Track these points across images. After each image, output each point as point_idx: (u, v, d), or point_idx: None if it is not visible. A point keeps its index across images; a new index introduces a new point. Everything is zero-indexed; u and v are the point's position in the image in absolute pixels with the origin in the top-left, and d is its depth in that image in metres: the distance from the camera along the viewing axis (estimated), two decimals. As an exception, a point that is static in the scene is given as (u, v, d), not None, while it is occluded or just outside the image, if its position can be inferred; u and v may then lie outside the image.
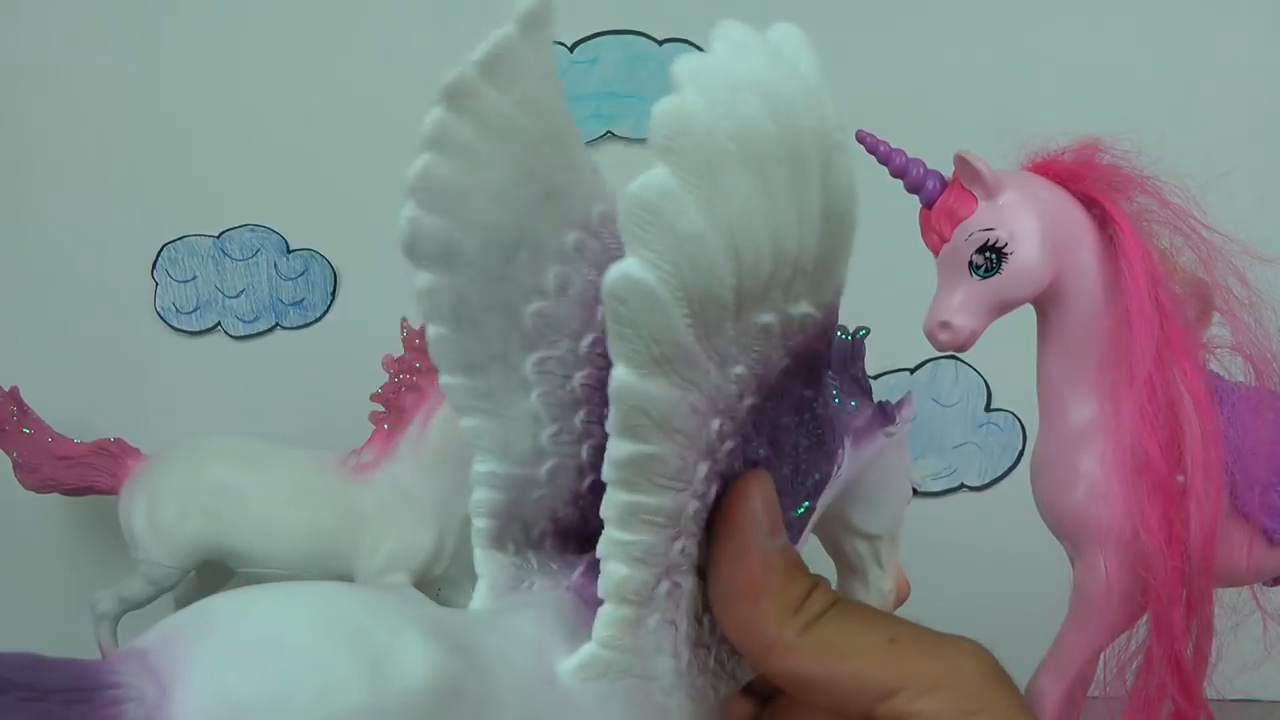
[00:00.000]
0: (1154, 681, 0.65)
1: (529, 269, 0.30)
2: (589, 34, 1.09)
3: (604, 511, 0.25)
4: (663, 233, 0.22)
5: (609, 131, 1.09)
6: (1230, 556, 0.66)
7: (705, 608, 0.28)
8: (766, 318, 0.25)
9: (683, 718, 0.28)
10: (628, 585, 0.26)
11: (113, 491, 1.00)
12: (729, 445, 0.26)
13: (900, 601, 0.48)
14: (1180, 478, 0.64)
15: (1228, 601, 0.69)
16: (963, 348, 0.66)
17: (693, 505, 0.26)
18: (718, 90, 0.22)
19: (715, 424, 0.25)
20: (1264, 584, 0.71)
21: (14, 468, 1.02)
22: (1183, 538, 0.63)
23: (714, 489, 0.26)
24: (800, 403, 0.28)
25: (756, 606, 0.26)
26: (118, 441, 1.02)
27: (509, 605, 0.30)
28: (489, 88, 0.29)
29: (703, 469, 0.26)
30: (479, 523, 0.31)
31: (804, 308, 0.25)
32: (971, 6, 1.07)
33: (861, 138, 0.68)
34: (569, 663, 0.26)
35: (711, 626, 0.28)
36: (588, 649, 0.26)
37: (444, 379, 0.30)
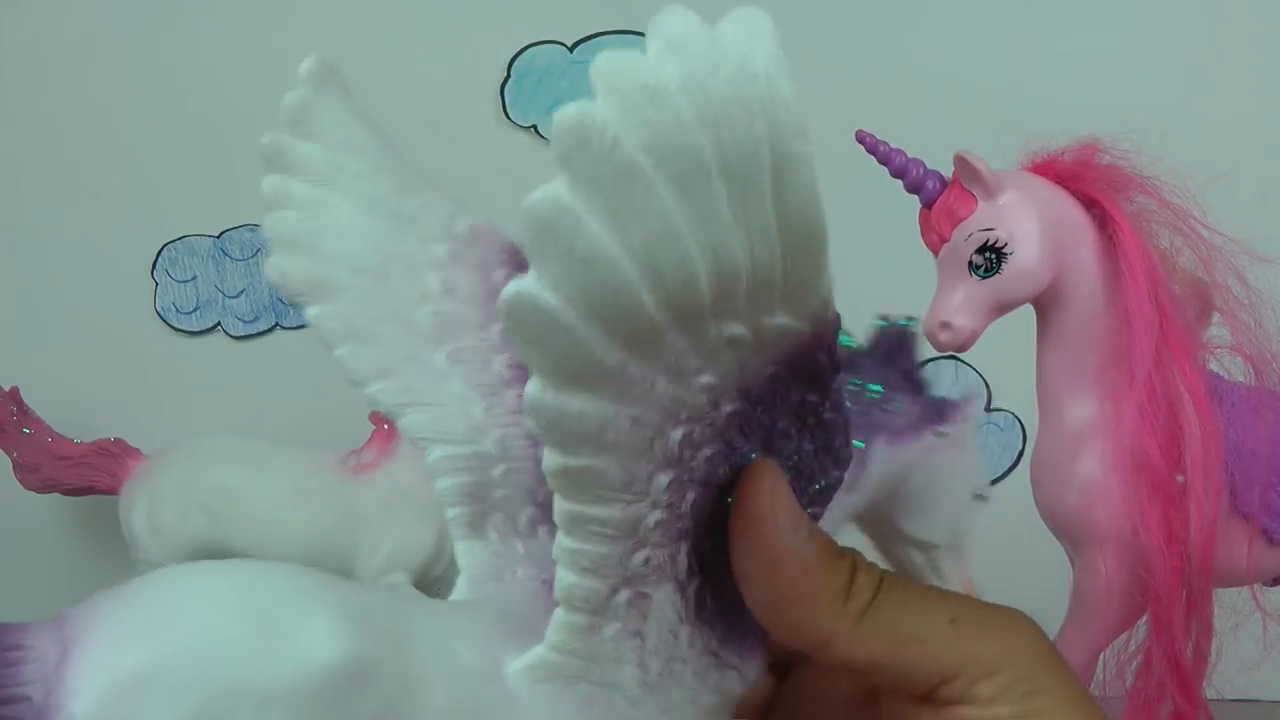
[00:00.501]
0: (1153, 681, 0.65)
1: (407, 281, 0.33)
2: (589, 34, 1.09)
3: (555, 516, 0.24)
4: (561, 253, 0.20)
5: (609, 131, 1.09)
6: (1230, 556, 0.66)
7: (684, 618, 0.27)
8: (734, 330, 0.23)
9: None
10: (575, 593, 0.25)
11: (113, 491, 1.00)
12: (707, 452, 0.25)
13: None
14: (1180, 478, 0.64)
15: (1227, 601, 0.69)
16: (963, 348, 0.66)
17: (655, 516, 0.25)
18: (633, 94, 0.20)
19: (678, 434, 0.24)
20: (1264, 584, 0.71)
21: (14, 468, 1.02)
22: (1182, 538, 0.63)
23: (690, 497, 0.25)
24: (802, 408, 0.26)
25: (805, 610, 0.25)
26: (118, 441, 1.02)
27: (475, 598, 0.31)
28: (301, 143, 0.33)
29: (662, 479, 0.24)
30: (451, 512, 0.32)
31: (781, 319, 0.23)
32: (971, 6, 1.07)
33: (861, 138, 0.68)
34: (518, 662, 0.26)
35: (690, 639, 0.27)
36: (537, 651, 0.26)
37: (366, 390, 0.33)
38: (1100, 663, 0.71)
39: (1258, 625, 0.70)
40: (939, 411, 0.40)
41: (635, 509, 0.24)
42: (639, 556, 0.25)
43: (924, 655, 0.25)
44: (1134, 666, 0.68)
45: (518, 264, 0.35)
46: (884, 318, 0.41)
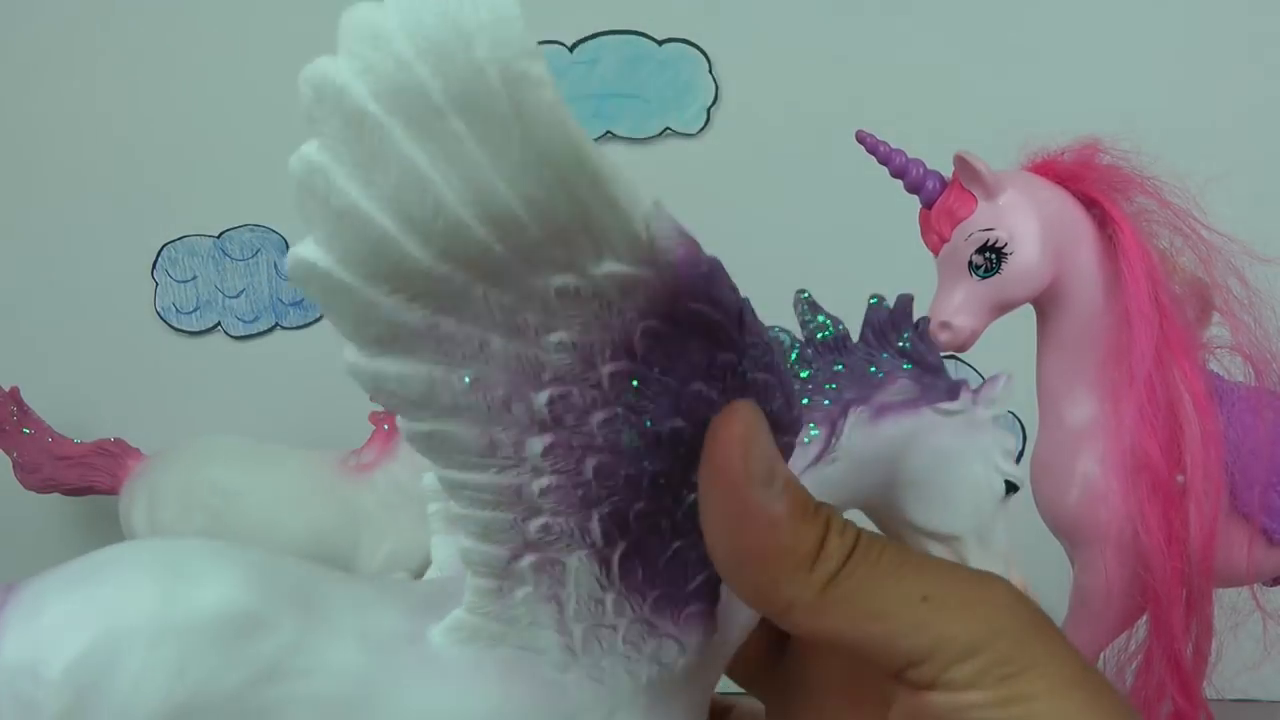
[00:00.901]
0: (1154, 681, 0.65)
1: None
2: (589, 34, 1.09)
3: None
4: (319, 210, 0.20)
5: (609, 131, 1.09)
6: (1230, 556, 0.66)
7: (608, 586, 0.26)
8: (560, 280, 0.22)
9: (584, 698, 0.27)
10: (473, 557, 0.26)
11: (113, 491, 1.00)
12: (600, 415, 0.24)
13: None
14: (1180, 478, 0.64)
15: (1227, 601, 0.69)
16: (963, 348, 0.66)
17: (542, 482, 0.24)
18: (357, 44, 0.20)
19: (542, 396, 0.23)
20: (1264, 584, 0.71)
21: (14, 468, 1.02)
22: (1182, 538, 0.63)
23: (591, 463, 0.25)
24: (713, 369, 0.25)
25: (765, 570, 0.23)
26: (118, 441, 1.02)
27: (421, 580, 0.32)
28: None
29: (536, 444, 0.24)
30: (430, 506, 0.32)
31: (610, 266, 0.22)
32: (971, 6, 1.07)
33: (861, 138, 0.68)
34: (439, 625, 0.27)
35: (617, 607, 0.27)
36: (456, 612, 0.27)
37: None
38: (1100, 662, 0.71)
39: (1258, 625, 0.70)
40: (943, 390, 0.37)
41: (511, 475, 0.24)
42: (535, 523, 0.25)
43: (889, 634, 0.23)
44: (1134, 666, 0.68)
45: None
46: (876, 297, 0.39)
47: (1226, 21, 1.04)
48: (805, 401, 0.34)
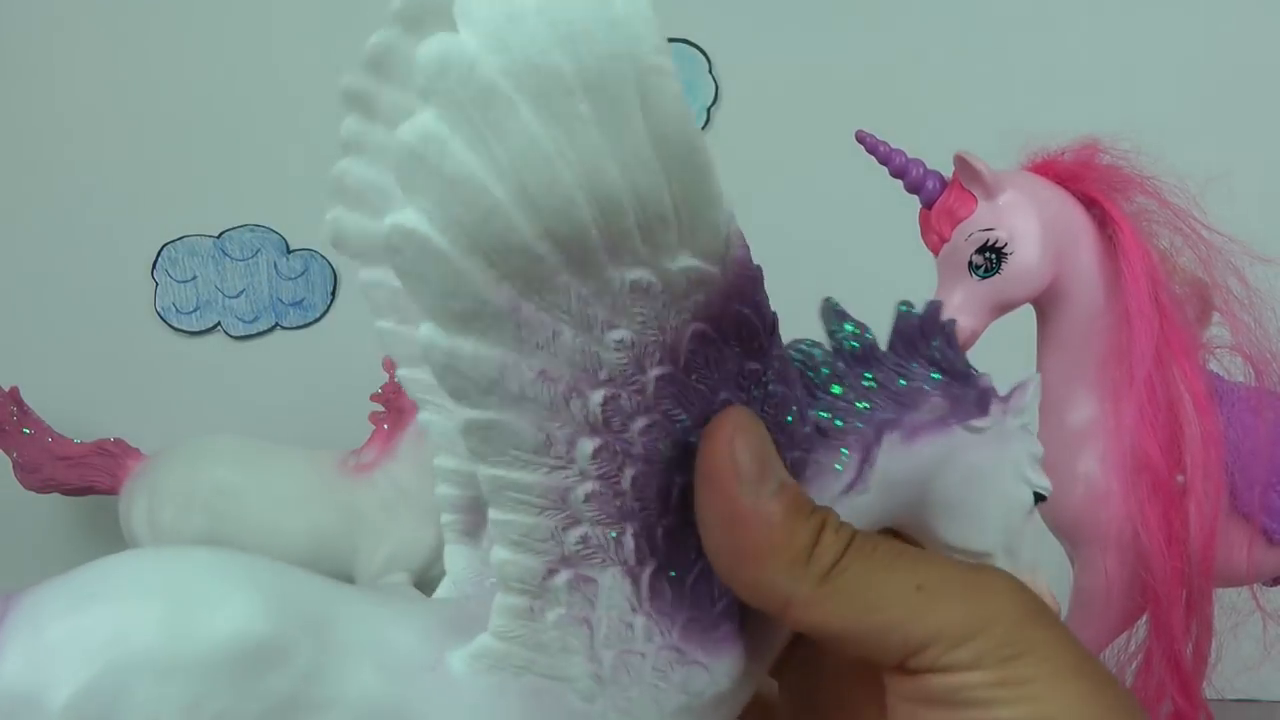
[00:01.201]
0: (1153, 681, 0.65)
1: None
2: (589, 34, 1.09)
3: (480, 483, 0.24)
4: (429, 178, 0.20)
5: (609, 131, 1.09)
6: (1230, 556, 0.66)
7: (638, 607, 0.26)
8: (637, 274, 0.23)
9: None
10: (509, 570, 0.24)
11: (113, 491, 1.00)
12: (641, 423, 0.24)
13: None
14: (1180, 478, 0.64)
15: (1227, 601, 0.69)
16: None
17: (586, 487, 0.24)
18: (490, 23, 0.20)
19: (598, 395, 0.23)
20: (1264, 584, 0.71)
21: (14, 468, 1.02)
22: (1182, 538, 0.63)
23: (630, 473, 0.24)
24: (743, 378, 0.25)
25: (761, 569, 0.24)
26: (118, 441, 1.02)
27: (442, 597, 0.31)
28: (386, 87, 0.30)
29: (587, 445, 0.24)
30: (445, 517, 0.31)
31: (686, 260, 0.23)
32: (972, 7, 1.07)
33: (862, 138, 0.68)
34: (462, 651, 0.25)
35: (647, 631, 0.26)
36: (481, 638, 0.25)
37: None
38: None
39: (1258, 625, 0.70)
40: (973, 403, 0.35)
41: (560, 477, 0.24)
42: (574, 533, 0.24)
43: (886, 625, 0.23)
44: (1134, 666, 0.68)
45: None
46: (905, 304, 0.37)
47: (1227, 21, 1.04)
48: (839, 424, 0.32)
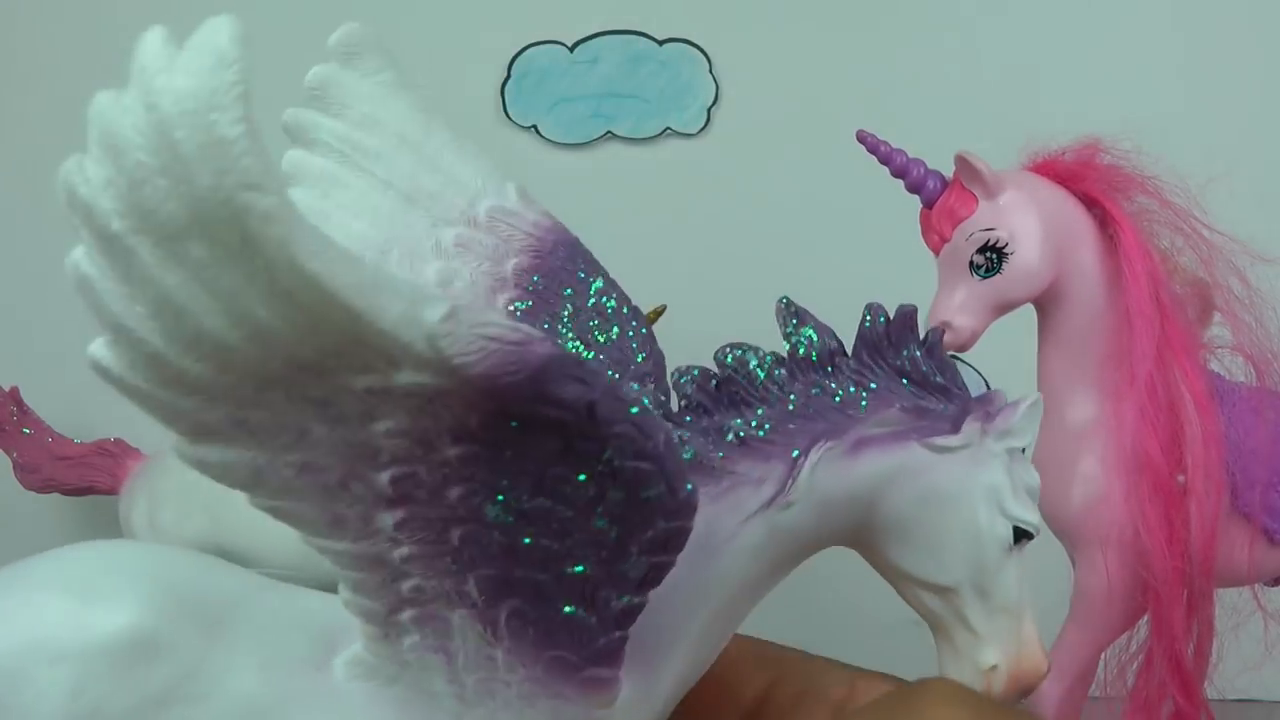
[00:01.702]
0: (1154, 682, 0.65)
1: (405, 267, 0.32)
2: (589, 34, 1.09)
3: None
4: (102, 320, 0.21)
5: (609, 131, 1.09)
6: (1231, 556, 0.66)
7: (495, 644, 0.26)
8: (367, 380, 0.22)
9: None
10: (353, 608, 0.26)
11: (113, 491, 1.00)
12: (457, 491, 0.24)
13: (1026, 689, 0.35)
14: (1181, 478, 0.64)
15: (1228, 601, 0.69)
16: (963, 348, 0.66)
17: (401, 551, 0.24)
18: (102, 149, 0.19)
19: (384, 476, 0.23)
20: (1264, 584, 0.71)
21: (14, 468, 1.02)
22: (1183, 538, 0.63)
23: (457, 533, 0.24)
24: (569, 455, 0.24)
25: None
26: (118, 441, 1.02)
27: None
28: (323, 118, 0.33)
29: (387, 519, 0.24)
30: None
31: (409, 376, 0.22)
32: (972, 7, 1.06)
33: (862, 138, 0.68)
34: (341, 657, 0.27)
35: (508, 664, 0.26)
36: (355, 648, 0.27)
37: None
38: (1101, 663, 0.71)
39: (1259, 625, 0.70)
40: (944, 419, 0.32)
41: (367, 545, 0.24)
42: (406, 584, 0.25)
43: None
44: (1135, 666, 0.68)
45: (536, 253, 0.35)
46: (872, 308, 0.34)
47: (1227, 21, 1.04)
48: (761, 434, 0.30)
